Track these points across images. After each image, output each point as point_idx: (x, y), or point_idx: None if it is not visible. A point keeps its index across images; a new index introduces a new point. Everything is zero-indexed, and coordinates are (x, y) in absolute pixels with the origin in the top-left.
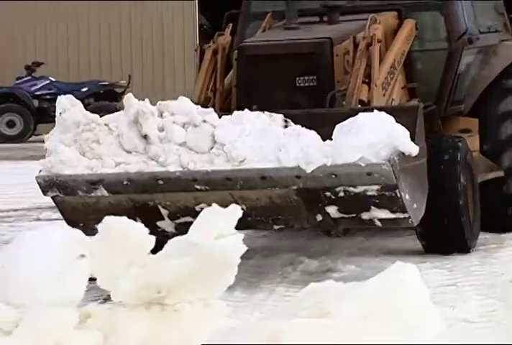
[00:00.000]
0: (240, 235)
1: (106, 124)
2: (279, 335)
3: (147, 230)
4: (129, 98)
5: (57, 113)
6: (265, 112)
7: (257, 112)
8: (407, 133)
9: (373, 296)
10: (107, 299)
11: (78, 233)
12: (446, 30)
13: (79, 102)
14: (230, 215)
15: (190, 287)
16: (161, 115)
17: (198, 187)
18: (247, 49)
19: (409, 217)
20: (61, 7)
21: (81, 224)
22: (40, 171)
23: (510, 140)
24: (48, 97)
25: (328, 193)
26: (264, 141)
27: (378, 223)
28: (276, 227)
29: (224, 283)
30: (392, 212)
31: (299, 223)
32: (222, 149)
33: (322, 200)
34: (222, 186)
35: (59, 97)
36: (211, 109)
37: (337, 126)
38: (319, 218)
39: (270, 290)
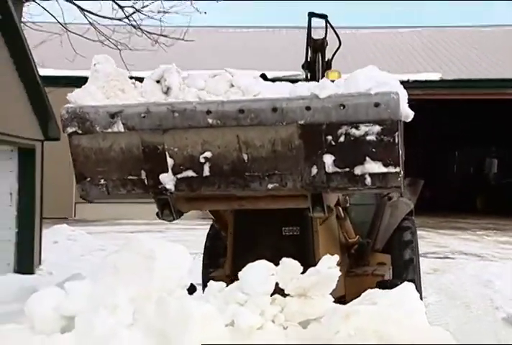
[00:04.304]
0: (338, 269)
1: (133, 83)
2: (354, 313)
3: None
4: (160, 67)
5: (92, 66)
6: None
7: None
8: (406, 97)
9: (395, 297)
10: None
11: None
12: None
13: (113, 60)
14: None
15: (313, 291)
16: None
17: (210, 121)
18: None
19: (400, 172)
20: None
21: (88, 179)
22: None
23: (410, 259)
24: None
25: (329, 137)
26: (281, 87)
27: (368, 181)
28: (270, 186)
29: (328, 289)
30: (385, 165)
31: (293, 180)
32: (239, 89)
33: (322, 146)
34: (234, 120)
35: (95, 55)
36: None
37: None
38: (314, 170)
39: None
